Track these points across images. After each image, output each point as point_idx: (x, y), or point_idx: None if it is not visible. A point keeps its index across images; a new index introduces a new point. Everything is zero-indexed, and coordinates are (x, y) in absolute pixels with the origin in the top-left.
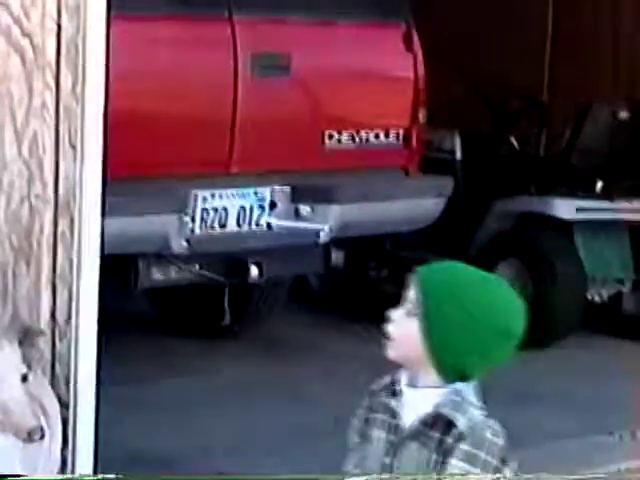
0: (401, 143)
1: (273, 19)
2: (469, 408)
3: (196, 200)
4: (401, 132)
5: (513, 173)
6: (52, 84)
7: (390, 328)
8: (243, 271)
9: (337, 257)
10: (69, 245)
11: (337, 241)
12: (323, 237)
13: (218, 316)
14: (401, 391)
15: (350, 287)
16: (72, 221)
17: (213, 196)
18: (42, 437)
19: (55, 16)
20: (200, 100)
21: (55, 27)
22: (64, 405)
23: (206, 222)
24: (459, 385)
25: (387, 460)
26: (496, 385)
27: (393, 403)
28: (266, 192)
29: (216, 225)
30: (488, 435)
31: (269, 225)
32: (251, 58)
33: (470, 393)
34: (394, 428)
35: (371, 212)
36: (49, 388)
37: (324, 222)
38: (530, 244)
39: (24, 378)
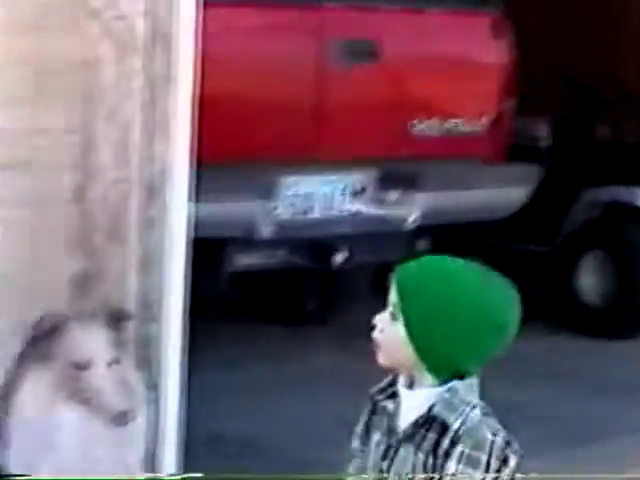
0: (488, 131)
1: (362, 6)
2: (465, 408)
3: (283, 186)
4: (488, 120)
5: (602, 162)
6: (143, 68)
7: (376, 334)
8: (328, 257)
9: (422, 245)
10: (158, 229)
11: (422, 229)
12: (408, 224)
13: (303, 302)
14: (398, 393)
15: None
16: (161, 205)
17: (300, 182)
18: (130, 420)
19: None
20: (288, 86)
21: (147, 11)
22: (151, 388)
23: (292, 208)
24: (455, 384)
25: (384, 464)
26: (580, 376)
27: (390, 406)
28: (352, 179)
29: (302, 211)
30: (488, 435)
31: (354, 212)
32: (340, 45)
33: (469, 390)
34: (391, 431)
35: (457, 200)
36: (137, 372)
37: (410, 209)
38: (617, 234)
39: (113, 361)
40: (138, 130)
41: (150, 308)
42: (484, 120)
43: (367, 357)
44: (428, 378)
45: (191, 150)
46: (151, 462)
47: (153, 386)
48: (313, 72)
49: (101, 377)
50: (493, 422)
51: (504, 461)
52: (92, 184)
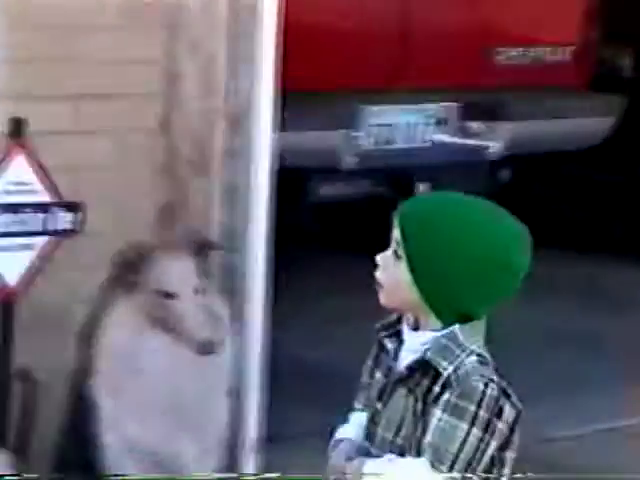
0: (572, 60)
1: None
2: (460, 353)
3: (365, 115)
4: (572, 49)
5: None
6: None
7: (378, 274)
8: (411, 187)
9: (504, 175)
10: (243, 159)
11: (505, 159)
12: (492, 154)
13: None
14: (402, 332)
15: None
16: (246, 135)
17: (382, 112)
18: (216, 349)
19: None
20: (369, 14)
21: None
22: (235, 318)
23: (375, 138)
24: (454, 328)
25: (378, 405)
26: None
27: (389, 345)
28: (435, 108)
29: (384, 141)
30: (479, 385)
31: (437, 141)
32: None
33: (470, 335)
34: (389, 372)
35: (540, 130)
36: (221, 301)
37: (493, 139)
38: None
39: (199, 291)
40: (223, 61)
41: (234, 238)
42: (568, 48)
43: None
44: (433, 321)
45: (275, 81)
46: (236, 390)
47: (238, 316)
48: (396, 1)
49: (187, 306)
50: (488, 371)
51: (498, 413)
52: (177, 115)
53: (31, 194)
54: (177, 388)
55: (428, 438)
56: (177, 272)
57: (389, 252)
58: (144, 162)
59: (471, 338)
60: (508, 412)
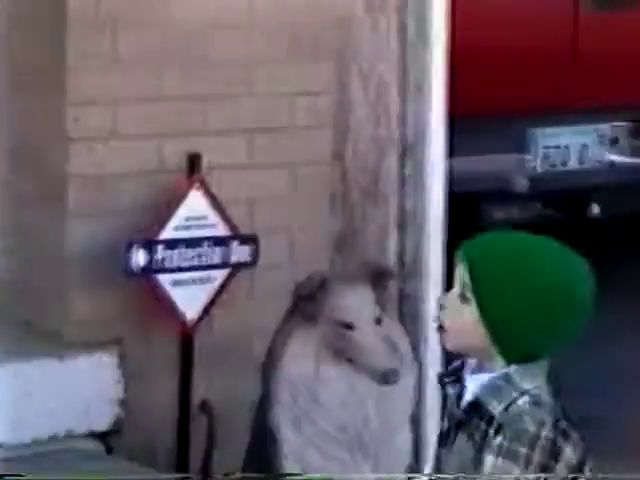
0: None
1: None
2: (513, 392)
3: (537, 138)
4: None
5: None
6: (397, 27)
7: (442, 317)
8: (583, 208)
9: None
10: (416, 186)
11: None
12: None
13: None
14: (464, 377)
15: None
16: (418, 162)
17: (554, 134)
18: (396, 379)
19: None
20: (540, 35)
21: None
22: (413, 347)
23: (547, 160)
24: (512, 368)
25: (442, 452)
26: None
27: (451, 391)
28: (607, 128)
29: (557, 163)
30: (530, 427)
31: (609, 161)
32: None
33: (528, 376)
34: (451, 418)
35: None
36: (402, 330)
37: None
38: None
39: (378, 321)
40: (394, 89)
41: (409, 266)
42: None
43: None
44: (498, 361)
45: (446, 107)
46: (416, 421)
47: (413, 344)
48: (565, 20)
49: (366, 336)
50: (541, 412)
51: (555, 455)
52: (349, 144)
53: (208, 228)
54: (358, 418)
55: None
56: (355, 302)
57: (453, 294)
58: (318, 193)
59: (528, 379)
60: (570, 454)
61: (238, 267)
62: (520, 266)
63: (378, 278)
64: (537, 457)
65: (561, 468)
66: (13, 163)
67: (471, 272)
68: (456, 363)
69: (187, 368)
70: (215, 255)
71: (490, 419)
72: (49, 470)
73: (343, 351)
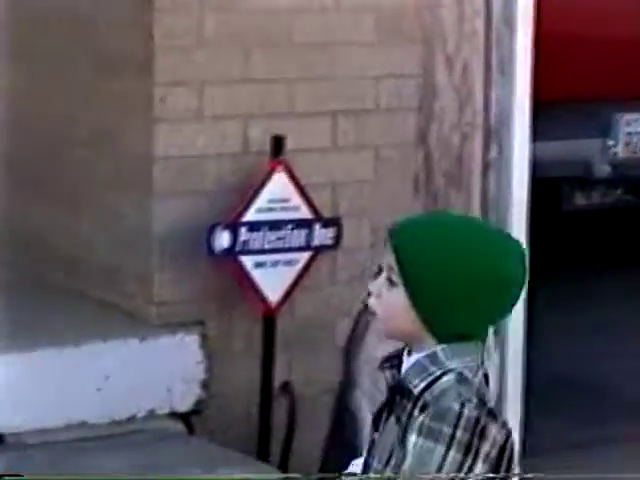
0: None
1: None
2: (436, 371)
3: (620, 124)
4: None
5: None
6: (482, 10)
7: (371, 302)
8: None
9: None
10: (499, 170)
11: None
12: None
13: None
14: (402, 361)
15: None
16: (502, 146)
17: (637, 120)
18: None
19: None
20: (623, 21)
21: None
22: (495, 332)
23: (630, 146)
24: (439, 347)
25: (375, 435)
26: None
27: (388, 374)
28: None
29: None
30: (453, 405)
31: None
32: None
33: (456, 355)
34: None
35: None
36: None
37: None
38: None
39: None
40: (478, 73)
41: None
42: None
43: None
44: (430, 343)
45: (531, 92)
46: (497, 405)
47: (497, 331)
48: None
49: None
50: (464, 390)
51: (480, 434)
52: (433, 128)
53: (291, 211)
54: None
55: (405, 465)
56: None
57: (381, 279)
58: (402, 176)
59: (455, 358)
60: (495, 433)
61: (320, 250)
62: (444, 248)
63: None
64: (460, 435)
65: (486, 447)
66: (98, 145)
67: (396, 256)
68: (399, 348)
69: (269, 350)
70: (298, 238)
71: (416, 399)
72: (129, 450)
73: None
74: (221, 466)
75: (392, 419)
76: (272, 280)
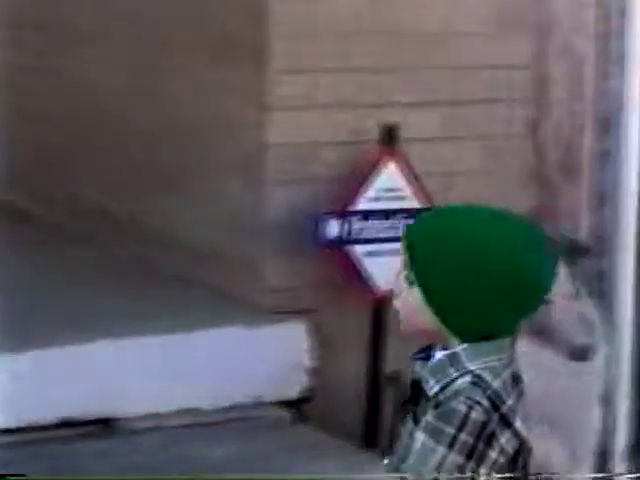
0: None
1: None
2: (453, 373)
3: None
4: None
5: None
6: (597, 1)
7: (394, 301)
8: None
9: None
10: (611, 160)
11: None
12: None
13: None
14: (432, 356)
15: None
16: (615, 136)
17: None
18: (590, 355)
19: None
20: None
21: None
22: (606, 323)
23: None
24: (460, 347)
25: (403, 431)
26: None
27: (417, 368)
28: None
29: None
30: (459, 407)
31: None
32: None
33: (477, 355)
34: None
35: None
36: (592, 306)
37: None
38: None
39: (571, 295)
40: (592, 63)
41: (603, 242)
42: None
43: None
44: (453, 341)
45: None
46: (607, 397)
47: (608, 321)
48: None
49: (561, 311)
50: (477, 393)
51: (487, 440)
52: (546, 118)
53: (401, 200)
54: (548, 392)
55: (408, 462)
56: None
57: (401, 278)
58: (513, 166)
59: (477, 358)
60: (504, 442)
61: None
62: (456, 245)
63: (573, 253)
64: (463, 438)
65: (493, 455)
66: (213, 132)
67: (411, 255)
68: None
69: (378, 339)
70: None
71: (431, 399)
72: (237, 437)
73: (537, 325)
74: (323, 456)
75: (410, 415)
76: (383, 269)
